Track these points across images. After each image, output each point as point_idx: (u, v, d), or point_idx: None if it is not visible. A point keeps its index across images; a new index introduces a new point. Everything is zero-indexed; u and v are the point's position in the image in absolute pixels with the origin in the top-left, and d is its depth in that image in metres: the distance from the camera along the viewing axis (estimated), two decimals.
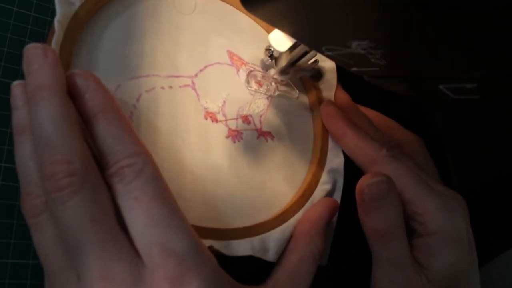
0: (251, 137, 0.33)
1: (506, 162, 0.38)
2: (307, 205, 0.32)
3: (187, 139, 0.30)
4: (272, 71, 0.35)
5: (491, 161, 0.39)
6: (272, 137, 0.34)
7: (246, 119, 0.34)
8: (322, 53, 0.23)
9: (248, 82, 0.35)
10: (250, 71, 0.35)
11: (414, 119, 0.43)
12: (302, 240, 0.29)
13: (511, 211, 0.38)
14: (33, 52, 0.23)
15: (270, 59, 0.35)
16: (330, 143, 0.36)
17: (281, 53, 0.34)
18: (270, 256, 0.28)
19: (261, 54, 0.36)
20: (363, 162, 0.32)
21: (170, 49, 0.33)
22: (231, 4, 0.37)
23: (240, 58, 0.36)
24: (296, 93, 0.37)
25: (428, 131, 0.41)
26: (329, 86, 0.38)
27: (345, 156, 0.35)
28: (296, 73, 0.35)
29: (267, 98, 0.36)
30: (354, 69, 0.24)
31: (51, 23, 0.35)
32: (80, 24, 0.29)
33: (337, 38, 0.20)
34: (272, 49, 0.34)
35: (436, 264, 0.27)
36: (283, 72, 0.34)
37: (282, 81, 0.35)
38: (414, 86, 0.22)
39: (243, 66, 0.35)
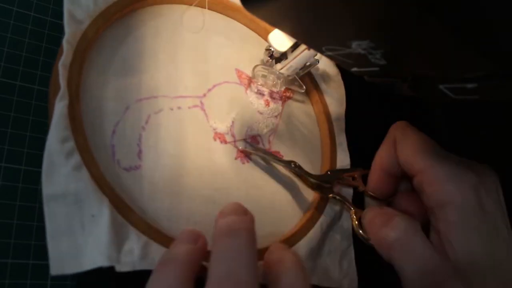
0: (259, 158, 0.33)
1: (506, 161, 0.38)
2: (317, 226, 0.32)
3: (196, 161, 0.30)
4: (278, 66, 0.35)
5: (491, 161, 0.39)
6: (281, 157, 0.34)
7: (255, 139, 0.34)
8: (322, 53, 0.23)
9: (253, 76, 0.35)
10: (255, 66, 0.35)
11: (414, 119, 0.42)
12: None
13: (510, 211, 0.38)
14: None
15: (270, 59, 0.35)
16: (338, 162, 0.35)
17: (285, 52, 0.34)
18: None
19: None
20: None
21: (178, 69, 0.32)
22: (238, 21, 0.37)
23: (248, 76, 0.35)
24: (303, 87, 0.36)
25: (428, 130, 0.41)
26: (337, 102, 0.38)
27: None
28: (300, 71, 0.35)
29: (276, 117, 0.35)
30: (354, 69, 0.23)
31: (51, 23, 0.35)
32: (89, 44, 0.28)
33: (337, 38, 0.20)
34: (272, 49, 0.34)
35: (456, 238, 0.26)
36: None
37: (288, 76, 0.35)
38: (414, 86, 0.22)
39: (252, 84, 0.35)
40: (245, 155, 0.33)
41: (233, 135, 0.33)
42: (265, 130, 0.34)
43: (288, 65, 0.34)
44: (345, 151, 0.36)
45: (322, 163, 0.36)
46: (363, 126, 0.40)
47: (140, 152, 0.28)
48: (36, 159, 0.31)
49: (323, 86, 0.38)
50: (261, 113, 0.35)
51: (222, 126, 0.32)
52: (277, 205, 0.32)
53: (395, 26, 0.17)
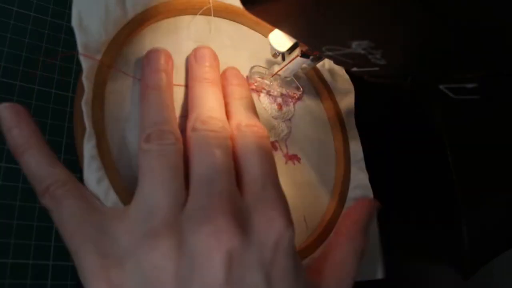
0: (280, 164, 0.33)
1: (506, 161, 0.38)
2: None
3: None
4: (276, 68, 0.35)
5: (491, 161, 0.39)
6: (299, 160, 0.35)
7: (273, 145, 0.34)
8: (322, 53, 0.23)
9: (250, 76, 0.35)
10: (253, 67, 0.35)
11: (414, 119, 0.43)
12: (345, 236, 0.29)
13: (511, 210, 0.38)
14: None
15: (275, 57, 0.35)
16: (352, 158, 0.36)
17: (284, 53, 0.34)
18: None
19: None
20: None
21: None
22: (243, 24, 0.37)
23: (259, 81, 0.35)
24: (300, 89, 0.37)
25: (428, 131, 0.41)
26: (347, 96, 0.38)
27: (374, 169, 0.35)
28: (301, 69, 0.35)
29: (290, 119, 0.36)
30: (354, 69, 0.24)
31: (51, 23, 0.35)
32: (106, 75, 0.28)
33: (337, 38, 0.20)
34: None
35: None
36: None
37: (285, 77, 0.35)
38: (414, 86, 0.22)
39: (264, 90, 0.35)
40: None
41: None
42: (281, 135, 0.35)
43: (285, 67, 0.34)
44: (358, 145, 0.37)
45: (336, 159, 0.36)
46: (372, 122, 0.40)
47: None
48: None
49: (329, 80, 0.38)
50: (275, 118, 0.35)
51: None
52: (298, 209, 0.33)
53: (395, 26, 0.17)
